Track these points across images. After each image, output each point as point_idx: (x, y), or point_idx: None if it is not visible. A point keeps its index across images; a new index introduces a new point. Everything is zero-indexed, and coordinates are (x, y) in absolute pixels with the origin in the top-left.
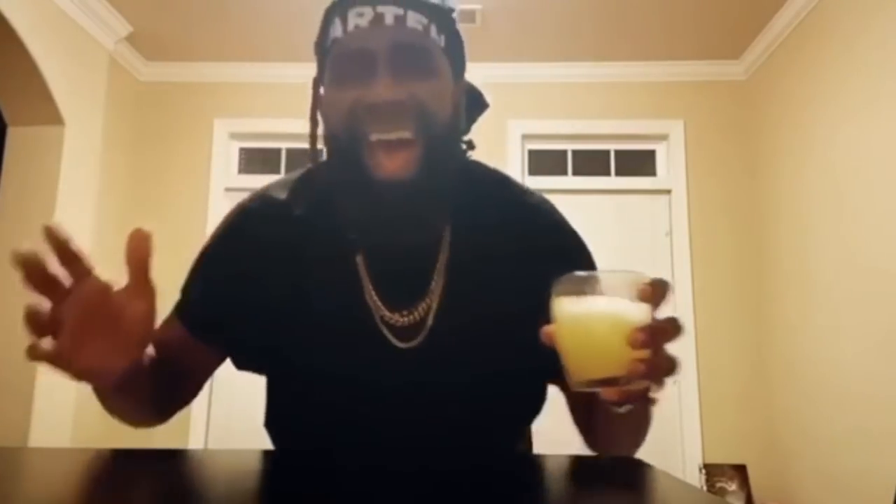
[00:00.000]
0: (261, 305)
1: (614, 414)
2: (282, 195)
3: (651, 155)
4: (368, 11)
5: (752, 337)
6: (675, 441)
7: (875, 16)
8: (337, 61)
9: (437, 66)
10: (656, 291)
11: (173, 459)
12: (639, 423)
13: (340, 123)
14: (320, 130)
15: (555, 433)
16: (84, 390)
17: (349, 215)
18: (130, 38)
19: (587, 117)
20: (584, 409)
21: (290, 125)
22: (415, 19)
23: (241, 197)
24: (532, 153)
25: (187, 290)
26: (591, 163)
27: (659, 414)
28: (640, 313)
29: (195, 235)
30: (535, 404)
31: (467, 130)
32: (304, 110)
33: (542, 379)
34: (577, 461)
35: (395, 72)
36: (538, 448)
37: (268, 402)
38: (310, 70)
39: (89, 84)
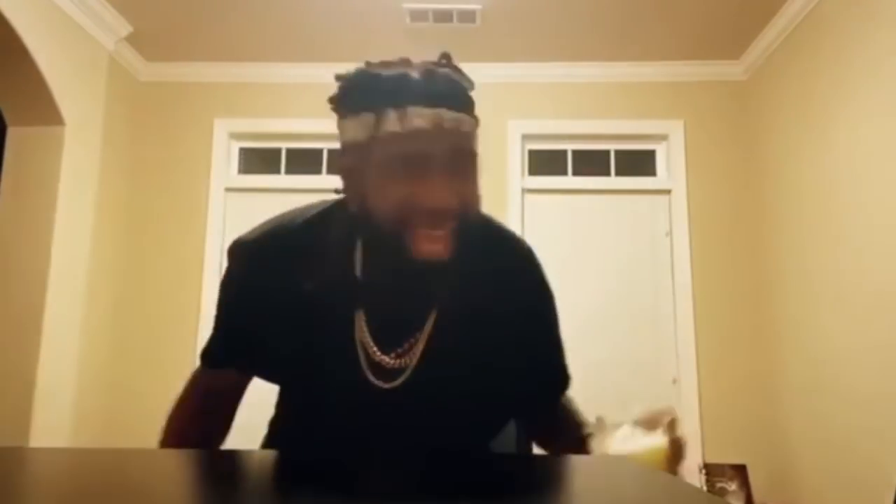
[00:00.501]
0: (279, 337)
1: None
2: (297, 235)
3: (651, 155)
4: (429, 114)
5: (752, 337)
6: None
7: (875, 16)
8: (394, 156)
9: (478, 165)
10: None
11: (173, 459)
12: None
13: (390, 211)
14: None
15: None
16: (84, 390)
17: (370, 275)
18: (130, 38)
19: (587, 117)
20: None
21: (290, 125)
22: (468, 123)
23: (242, 197)
24: (532, 153)
25: (228, 332)
26: (591, 163)
27: None
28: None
29: (195, 235)
30: (497, 425)
31: None
32: (304, 110)
33: (508, 403)
34: (576, 461)
35: (449, 176)
36: (538, 448)
37: (278, 408)
38: (308, 70)
39: (89, 84)
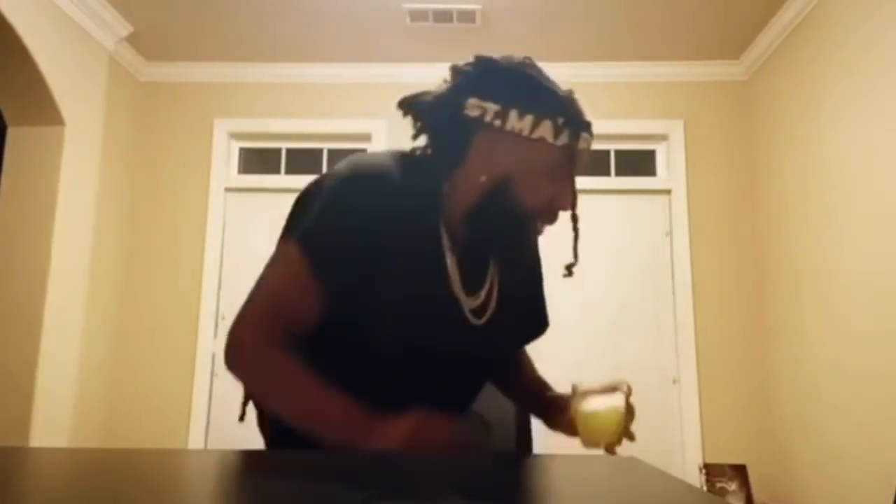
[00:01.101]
0: (374, 272)
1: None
2: (397, 176)
3: (651, 155)
4: (588, 141)
5: (752, 337)
6: (675, 441)
7: (874, 16)
8: (559, 162)
9: None
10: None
11: (173, 459)
12: None
13: (537, 200)
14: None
15: (554, 433)
16: (84, 390)
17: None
18: (130, 38)
19: (587, 117)
20: (511, 394)
21: (290, 125)
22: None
23: (242, 197)
24: None
25: (323, 245)
26: (591, 163)
27: (659, 414)
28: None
29: (195, 235)
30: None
31: None
32: (304, 110)
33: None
34: (576, 461)
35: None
36: (538, 448)
37: (329, 354)
38: (308, 70)
39: (89, 84)
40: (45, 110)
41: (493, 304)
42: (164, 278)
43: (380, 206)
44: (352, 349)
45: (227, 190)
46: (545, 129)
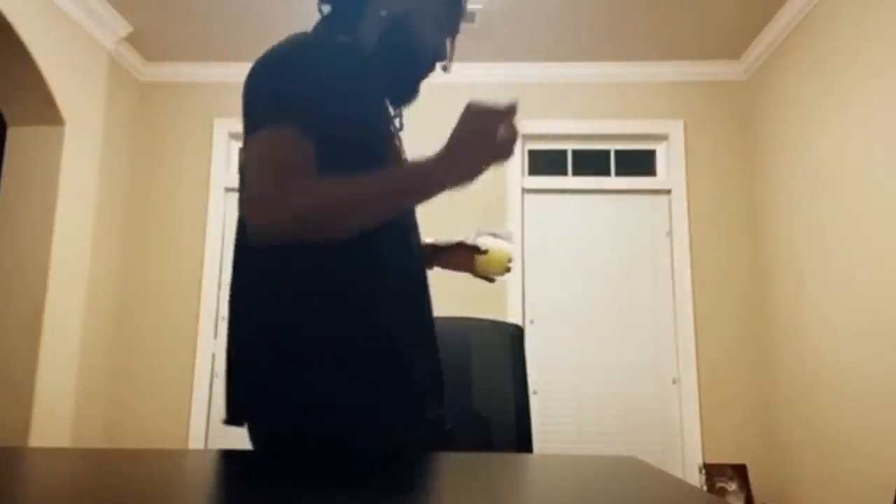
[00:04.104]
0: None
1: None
2: (322, 37)
3: (651, 155)
4: None
5: (752, 337)
6: (675, 441)
7: (875, 16)
8: (442, 12)
9: None
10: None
11: (173, 459)
12: None
13: (418, 41)
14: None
15: (555, 433)
16: (84, 390)
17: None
18: (130, 38)
19: (587, 117)
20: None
21: None
22: None
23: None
24: (532, 153)
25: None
26: (591, 163)
27: (659, 414)
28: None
29: (195, 235)
30: None
31: None
32: None
33: None
34: (576, 461)
35: None
36: (538, 448)
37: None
38: None
39: (89, 84)
40: (45, 110)
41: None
42: (164, 278)
43: (325, 59)
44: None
45: (227, 190)
46: None
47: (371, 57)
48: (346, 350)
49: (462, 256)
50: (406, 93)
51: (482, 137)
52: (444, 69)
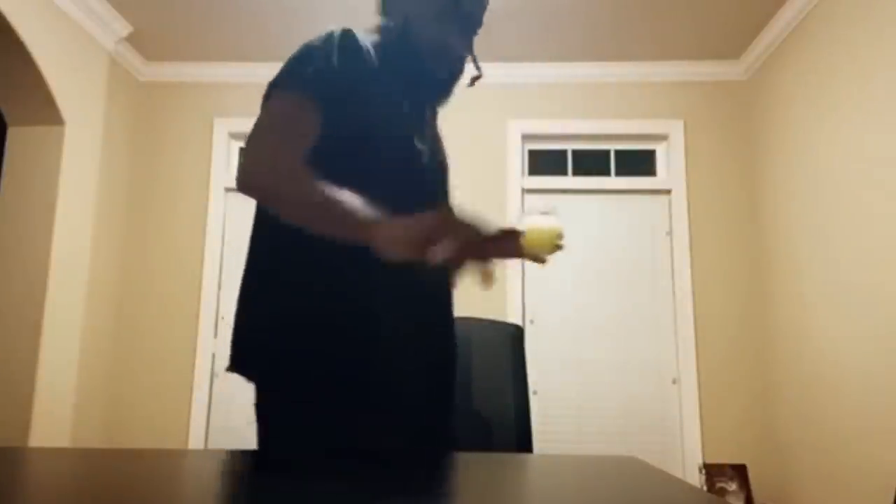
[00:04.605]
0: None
1: None
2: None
3: (651, 155)
4: None
5: (752, 337)
6: (675, 441)
7: (875, 16)
8: (442, 6)
9: None
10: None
11: (173, 459)
12: None
13: (424, 40)
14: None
15: (555, 433)
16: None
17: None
18: (130, 38)
19: (587, 117)
20: None
21: None
22: None
23: (242, 197)
24: (532, 153)
25: (319, 71)
26: (591, 163)
27: (659, 414)
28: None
29: (195, 235)
30: None
31: None
32: None
33: None
34: (576, 461)
35: None
36: (538, 448)
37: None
38: None
39: (89, 84)
40: (45, 110)
41: (433, 146)
42: (164, 278)
43: (352, 49)
44: (349, 170)
45: (227, 190)
46: None
47: (388, 61)
48: (324, 324)
49: (507, 243)
50: (430, 94)
51: (420, 236)
52: (477, 69)
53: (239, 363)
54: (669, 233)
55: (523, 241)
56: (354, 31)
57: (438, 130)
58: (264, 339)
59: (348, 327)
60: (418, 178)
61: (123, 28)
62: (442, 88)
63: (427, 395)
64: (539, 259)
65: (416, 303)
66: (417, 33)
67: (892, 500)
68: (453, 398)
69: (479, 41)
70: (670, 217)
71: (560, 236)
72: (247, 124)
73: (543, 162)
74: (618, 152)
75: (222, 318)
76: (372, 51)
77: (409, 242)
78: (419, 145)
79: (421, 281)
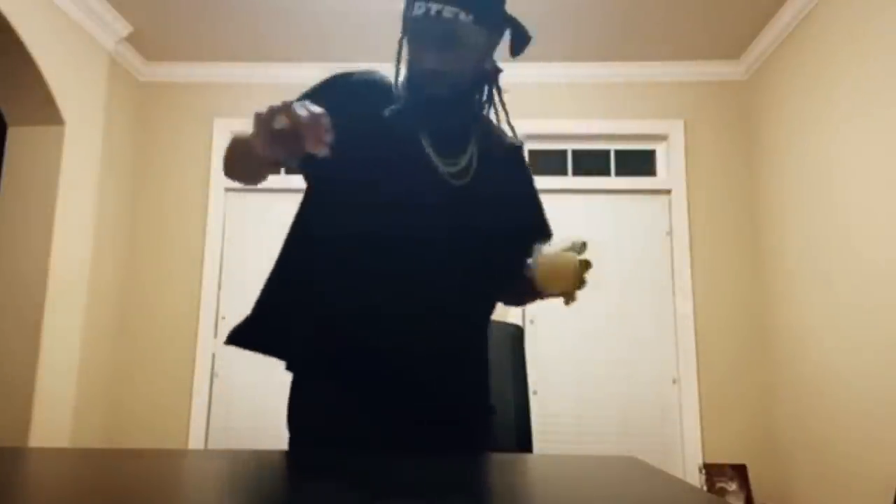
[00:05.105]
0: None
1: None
2: (380, 80)
3: (651, 155)
4: (428, 8)
5: (752, 337)
6: (675, 441)
7: (875, 16)
8: (412, 31)
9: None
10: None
11: (173, 459)
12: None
13: (413, 63)
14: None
15: (555, 433)
16: (84, 391)
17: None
18: (130, 38)
19: (587, 117)
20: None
21: None
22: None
23: (242, 197)
24: (532, 153)
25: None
26: (591, 163)
27: (659, 414)
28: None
29: (195, 235)
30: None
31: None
32: None
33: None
34: (576, 461)
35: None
36: (538, 448)
37: (310, 213)
38: (308, 70)
39: (89, 84)
40: (45, 110)
41: (473, 168)
42: (164, 278)
43: (360, 83)
44: (332, 219)
45: (227, 190)
46: (406, 4)
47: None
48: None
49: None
50: (439, 117)
51: (259, 119)
52: (488, 81)
53: (253, 339)
54: (669, 233)
55: (536, 274)
56: (376, 71)
57: (493, 154)
58: (288, 323)
59: (365, 317)
60: (416, 210)
61: (123, 28)
62: (445, 109)
63: (439, 384)
64: (564, 295)
65: (421, 298)
66: (408, 60)
67: (892, 500)
68: (473, 389)
69: None
70: (670, 217)
71: (577, 270)
72: (247, 124)
73: (543, 162)
74: (618, 152)
75: (222, 318)
76: (382, 80)
77: (255, 126)
78: (442, 172)
79: (426, 276)
